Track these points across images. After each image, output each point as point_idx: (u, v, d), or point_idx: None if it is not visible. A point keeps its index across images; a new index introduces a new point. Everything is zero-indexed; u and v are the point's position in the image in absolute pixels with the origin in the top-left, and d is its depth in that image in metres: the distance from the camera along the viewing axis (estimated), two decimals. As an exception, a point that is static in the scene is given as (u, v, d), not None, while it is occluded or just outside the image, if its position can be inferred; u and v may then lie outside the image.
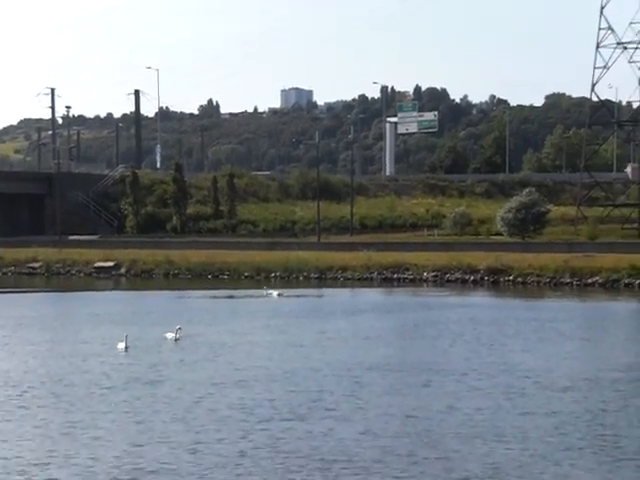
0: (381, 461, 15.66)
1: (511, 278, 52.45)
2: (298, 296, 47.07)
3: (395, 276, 55.85)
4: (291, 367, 24.80)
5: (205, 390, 21.71)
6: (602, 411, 19.44)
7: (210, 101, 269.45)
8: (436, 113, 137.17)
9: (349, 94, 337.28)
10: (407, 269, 55.99)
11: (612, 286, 49.21)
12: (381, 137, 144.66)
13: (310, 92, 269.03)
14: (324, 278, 56.90)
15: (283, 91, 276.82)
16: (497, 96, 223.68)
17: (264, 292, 46.19)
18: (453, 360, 26.03)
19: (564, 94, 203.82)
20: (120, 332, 29.15)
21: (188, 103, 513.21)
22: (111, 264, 62.15)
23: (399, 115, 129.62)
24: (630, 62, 79.06)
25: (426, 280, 54.61)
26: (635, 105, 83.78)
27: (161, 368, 24.97)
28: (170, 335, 29.99)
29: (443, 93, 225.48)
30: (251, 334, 31.81)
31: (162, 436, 17.38)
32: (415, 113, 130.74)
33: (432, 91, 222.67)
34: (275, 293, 46.55)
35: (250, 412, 19.30)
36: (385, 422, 18.39)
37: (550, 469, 15.22)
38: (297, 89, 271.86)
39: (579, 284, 50.09)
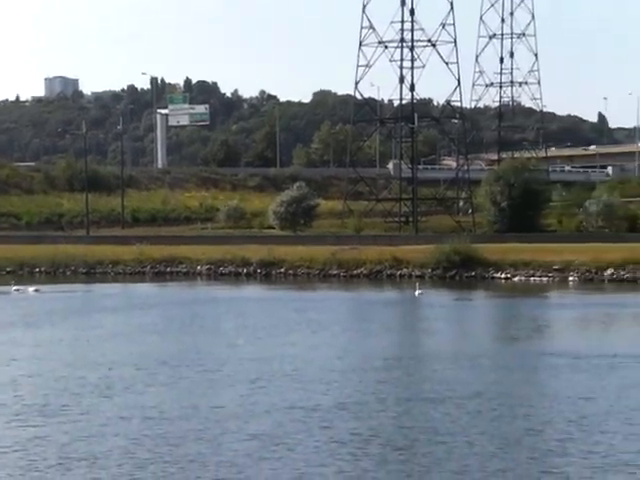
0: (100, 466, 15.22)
1: (283, 270, 53.70)
2: (59, 292, 45.30)
3: (168, 270, 55.44)
4: (12, 373, 23.32)
5: None
6: (356, 402, 19.67)
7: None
8: (207, 106, 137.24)
9: (117, 84, 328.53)
10: (181, 262, 55.78)
11: (376, 277, 51.74)
12: (152, 129, 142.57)
13: (76, 81, 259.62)
14: (93, 273, 55.42)
15: (47, 79, 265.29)
16: (267, 92, 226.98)
17: (12, 288, 44.04)
18: (210, 354, 25.93)
19: (330, 91, 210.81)
20: None
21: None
22: None
23: (170, 107, 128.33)
24: (391, 61, 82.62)
25: (200, 273, 54.67)
26: (396, 103, 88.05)
27: None
28: None
29: (214, 86, 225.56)
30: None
31: None
32: (186, 105, 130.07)
33: (202, 84, 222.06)
34: (31, 289, 44.59)
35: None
36: (125, 423, 17.88)
37: (299, 464, 15.18)
38: (62, 77, 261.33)
39: (346, 275, 52.22)
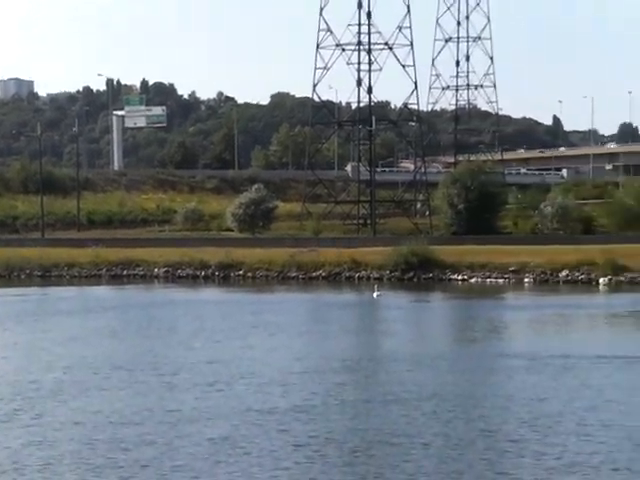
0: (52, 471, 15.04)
1: (241, 273, 53.56)
2: (14, 295, 44.83)
3: (125, 272, 55.03)
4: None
5: None
6: (314, 404, 19.62)
7: None
8: (164, 108, 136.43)
9: (73, 85, 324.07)
10: (138, 265, 55.38)
11: (334, 279, 51.85)
12: (108, 130, 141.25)
13: (31, 82, 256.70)
14: (49, 276, 54.86)
15: (1, 81, 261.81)
16: (225, 93, 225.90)
17: None
18: (167, 358, 25.74)
19: (288, 93, 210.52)
20: None
21: None
22: None
23: (126, 109, 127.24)
24: (348, 64, 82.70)
25: (157, 276, 54.31)
26: (354, 106, 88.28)
27: None
28: None
29: (171, 88, 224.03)
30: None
31: None
32: (143, 107, 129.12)
33: (159, 85, 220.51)
34: None
35: None
36: (79, 428, 17.67)
37: (255, 468, 15.09)
38: (17, 79, 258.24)
39: (304, 278, 52.24)
